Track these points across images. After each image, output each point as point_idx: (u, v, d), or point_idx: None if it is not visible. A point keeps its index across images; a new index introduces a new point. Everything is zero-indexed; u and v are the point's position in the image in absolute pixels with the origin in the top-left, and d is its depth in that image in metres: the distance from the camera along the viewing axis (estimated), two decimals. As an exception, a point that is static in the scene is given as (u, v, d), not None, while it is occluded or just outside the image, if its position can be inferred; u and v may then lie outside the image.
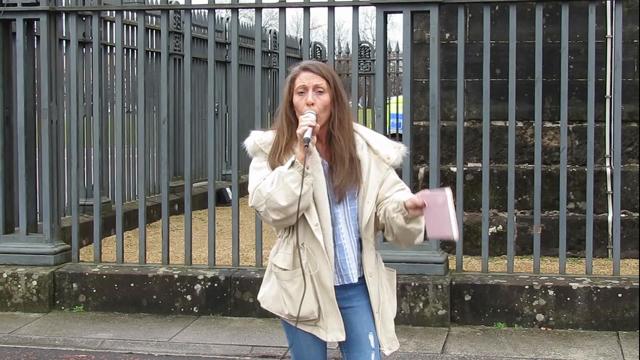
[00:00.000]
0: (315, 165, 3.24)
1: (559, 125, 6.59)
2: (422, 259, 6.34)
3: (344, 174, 3.26)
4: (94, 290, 6.72)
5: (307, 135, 3.15)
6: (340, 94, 3.32)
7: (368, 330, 3.35)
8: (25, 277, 6.74)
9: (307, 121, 3.17)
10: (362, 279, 3.36)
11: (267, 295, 3.41)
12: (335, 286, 3.30)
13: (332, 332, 3.31)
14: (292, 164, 3.16)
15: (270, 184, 3.18)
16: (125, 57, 9.98)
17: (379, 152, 3.34)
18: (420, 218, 3.22)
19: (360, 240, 3.34)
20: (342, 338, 3.32)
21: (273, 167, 3.25)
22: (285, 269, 3.32)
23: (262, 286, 3.47)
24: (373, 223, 3.33)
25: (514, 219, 6.59)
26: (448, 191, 3.12)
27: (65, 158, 7.99)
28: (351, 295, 3.34)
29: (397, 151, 3.37)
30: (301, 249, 3.27)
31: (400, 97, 7.27)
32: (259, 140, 3.33)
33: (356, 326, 3.34)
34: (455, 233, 3.10)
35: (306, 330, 3.33)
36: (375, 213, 3.33)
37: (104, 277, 6.73)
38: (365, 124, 15.80)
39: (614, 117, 6.73)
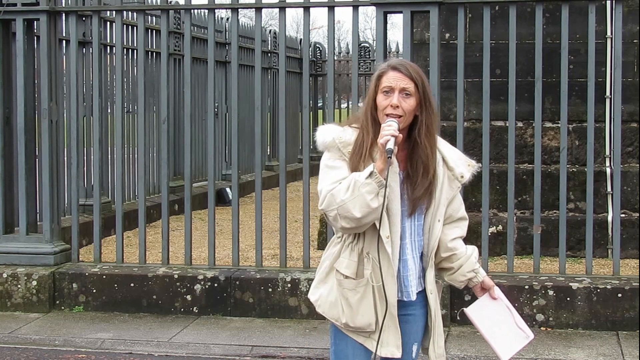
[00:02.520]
0: (392, 177, 3.08)
1: (559, 125, 6.59)
2: (422, 259, 6.33)
3: (426, 185, 3.13)
4: (94, 290, 6.72)
5: (390, 146, 2.96)
6: (428, 98, 3.14)
7: (414, 341, 3.29)
8: (25, 277, 6.74)
9: (390, 130, 2.99)
10: (420, 293, 3.26)
11: (325, 300, 3.24)
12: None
13: (387, 347, 3.19)
14: (371, 174, 2.99)
15: (345, 190, 3.03)
16: (125, 57, 9.99)
17: (453, 169, 3.21)
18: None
19: (421, 257, 3.25)
20: (398, 355, 3.21)
21: (354, 170, 3.08)
22: (349, 277, 3.18)
23: (315, 287, 3.30)
24: (438, 241, 3.24)
25: (514, 219, 6.59)
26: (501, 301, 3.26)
27: (65, 158, 7.99)
28: (407, 304, 3.24)
29: (469, 169, 3.26)
30: (366, 258, 3.15)
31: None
32: (338, 138, 3.14)
33: (403, 335, 3.24)
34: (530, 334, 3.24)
35: (358, 341, 3.22)
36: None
37: (104, 277, 6.73)
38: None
39: (614, 117, 6.73)
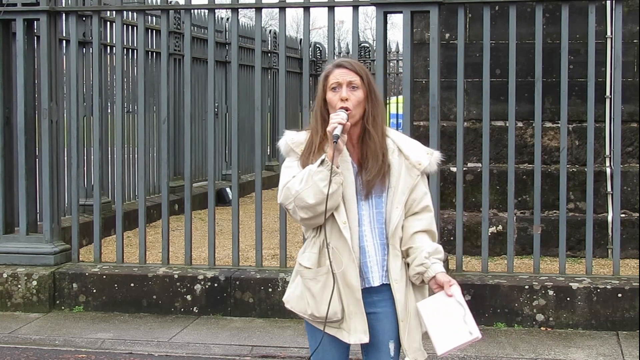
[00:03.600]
0: (344, 165, 3.21)
1: (559, 125, 6.59)
2: (422, 259, 6.33)
3: (376, 169, 3.22)
4: (94, 290, 6.72)
5: (337, 132, 3.10)
6: (373, 90, 3.28)
7: (389, 338, 3.29)
8: (25, 277, 6.74)
9: (338, 119, 3.13)
10: (388, 285, 3.27)
11: (292, 295, 3.35)
12: None
13: (355, 333, 3.23)
14: (322, 162, 3.12)
15: (299, 181, 3.16)
16: (125, 57, 9.98)
17: (409, 157, 3.28)
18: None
19: (385, 245, 3.27)
20: (366, 340, 3.24)
21: (305, 167, 3.20)
22: (308, 268, 3.26)
23: (288, 287, 3.42)
24: (400, 229, 3.26)
25: (514, 219, 6.59)
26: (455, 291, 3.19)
27: (65, 158, 7.99)
28: (376, 300, 3.27)
29: (429, 157, 3.31)
30: (326, 248, 3.21)
31: (400, 97, 7.27)
32: (290, 140, 3.31)
33: (378, 332, 3.27)
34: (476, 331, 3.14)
35: (330, 333, 3.25)
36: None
37: (104, 277, 6.73)
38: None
39: (614, 117, 6.73)
